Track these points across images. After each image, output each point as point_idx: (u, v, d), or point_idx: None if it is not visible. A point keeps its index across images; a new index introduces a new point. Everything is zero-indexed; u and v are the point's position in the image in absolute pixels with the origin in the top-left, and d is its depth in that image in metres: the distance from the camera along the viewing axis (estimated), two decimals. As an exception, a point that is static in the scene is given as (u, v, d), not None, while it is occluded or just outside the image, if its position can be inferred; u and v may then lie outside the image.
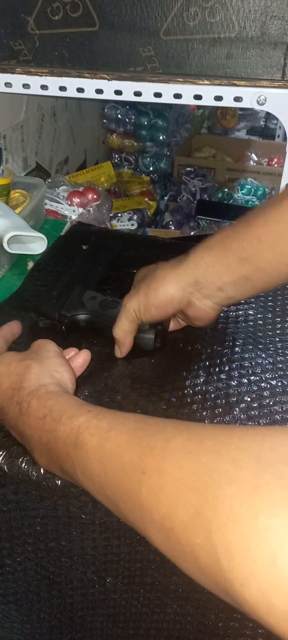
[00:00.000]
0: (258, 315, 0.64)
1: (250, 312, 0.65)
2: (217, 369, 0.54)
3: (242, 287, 0.49)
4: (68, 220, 0.99)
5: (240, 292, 0.50)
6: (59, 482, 0.42)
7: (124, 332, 0.53)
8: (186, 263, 0.49)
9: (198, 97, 0.76)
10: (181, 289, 0.49)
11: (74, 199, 1.09)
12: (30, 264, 0.74)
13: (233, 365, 0.55)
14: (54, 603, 0.51)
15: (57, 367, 0.45)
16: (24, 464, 0.43)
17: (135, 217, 1.23)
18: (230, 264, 0.48)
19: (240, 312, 0.64)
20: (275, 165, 1.83)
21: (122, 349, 0.54)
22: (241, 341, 0.58)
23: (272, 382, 0.53)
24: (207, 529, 0.26)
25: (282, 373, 0.54)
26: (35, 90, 0.80)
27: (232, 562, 0.25)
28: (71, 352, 0.52)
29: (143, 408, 0.48)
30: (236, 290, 0.49)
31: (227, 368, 0.54)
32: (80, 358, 0.51)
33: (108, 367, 0.54)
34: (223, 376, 0.53)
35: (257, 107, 0.76)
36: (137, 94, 0.77)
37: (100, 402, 0.49)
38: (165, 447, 0.31)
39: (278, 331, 0.61)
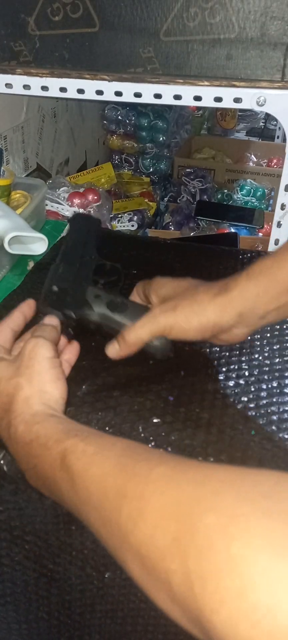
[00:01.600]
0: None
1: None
2: (214, 369, 0.55)
3: (283, 312, 0.49)
4: (68, 220, 0.99)
5: (280, 317, 0.50)
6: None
7: (139, 340, 0.49)
8: (231, 294, 0.48)
9: (198, 98, 0.76)
10: (225, 320, 0.48)
11: (74, 200, 1.10)
12: (31, 265, 0.74)
13: (231, 366, 0.55)
14: (52, 602, 0.51)
15: (46, 385, 0.43)
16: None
17: (135, 218, 1.23)
18: (276, 294, 0.47)
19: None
20: (275, 166, 1.83)
21: (124, 352, 0.50)
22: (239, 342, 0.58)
23: (269, 383, 0.53)
24: (184, 556, 0.26)
25: (279, 374, 0.55)
26: (35, 91, 0.80)
27: (205, 590, 0.25)
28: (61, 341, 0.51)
29: (140, 405, 0.49)
30: (278, 315, 0.49)
31: (224, 368, 0.55)
32: (70, 354, 0.51)
33: (106, 363, 0.54)
34: (221, 376, 0.54)
35: (257, 108, 0.76)
36: (137, 95, 0.78)
37: (97, 399, 0.49)
38: (148, 474, 0.31)
39: (276, 332, 0.61)
